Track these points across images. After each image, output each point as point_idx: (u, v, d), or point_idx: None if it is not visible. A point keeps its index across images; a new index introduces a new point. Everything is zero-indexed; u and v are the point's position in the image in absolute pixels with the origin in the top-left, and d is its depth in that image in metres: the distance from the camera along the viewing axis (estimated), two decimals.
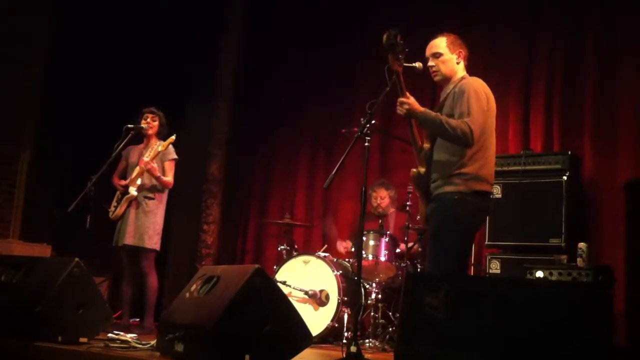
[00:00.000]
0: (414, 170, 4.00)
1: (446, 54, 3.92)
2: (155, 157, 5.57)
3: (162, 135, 5.83)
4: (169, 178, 5.70)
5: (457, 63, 3.94)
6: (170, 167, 5.73)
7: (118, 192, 5.76)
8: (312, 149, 7.44)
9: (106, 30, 7.86)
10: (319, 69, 7.52)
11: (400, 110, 3.79)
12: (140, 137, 5.82)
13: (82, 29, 7.85)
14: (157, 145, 5.64)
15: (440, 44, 3.94)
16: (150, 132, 5.80)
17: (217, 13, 7.84)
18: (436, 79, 3.98)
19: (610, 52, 5.67)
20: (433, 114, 3.79)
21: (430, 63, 3.95)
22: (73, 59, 7.85)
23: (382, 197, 6.17)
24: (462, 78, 3.91)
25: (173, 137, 5.59)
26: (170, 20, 7.87)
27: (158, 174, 5.60)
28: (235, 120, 7.87)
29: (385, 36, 3.62)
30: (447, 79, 3.95)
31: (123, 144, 5.59)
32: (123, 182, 5.72)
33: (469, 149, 3.72)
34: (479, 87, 3.81)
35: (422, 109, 3.79)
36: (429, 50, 3.97)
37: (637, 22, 5.57)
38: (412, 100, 3.79)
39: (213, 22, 7.82)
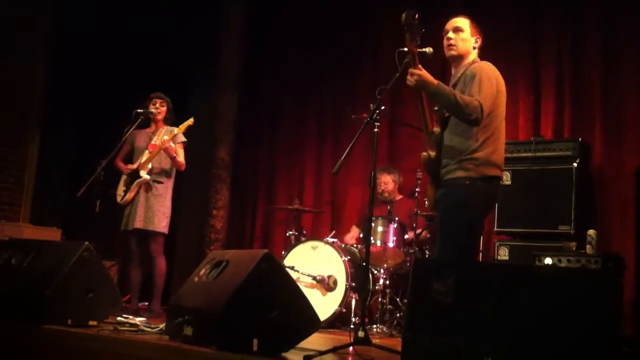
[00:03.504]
0: (424, 154, 3.96)
1: (467, 33, 3.87)
2: (171, 138, 5.58)
3: (169, 121, 5.86)
4: (182, 160, 5.73)
5: (474, 47, 3.90)
6: (181, 150, 5.75)
7: (125, 177, 5.77)
8: (320, 134, 7.44)
9: (109, 21, 7.89)
10: (321, 56, 7.51)
11: (410, 81, 3.69)
12: (146, 122, 5.83)
13: (85, 20, 7.89)
14: (173, 128, 5.65)
15: (464, 22, 3.89)
16: (159, 117, 5.82)
17: (219, 8, 7.84)
18: (450, 52, 3.89)
19: (618, 39, 5.64)
20: (447, 88, 3.71)
21: (450, 35, 3.88)
22: (77, 49, 7.91)
23: (385, 182, 6.17)
24: (473, 62, 3.87)
25: (191, 120, 5.60)
26: (173, 14, 7.87)
27: (174, 154, 5.62)
28: (242, 105, 7.87)
29: (403, 16, 3.54)
30: (459, 57, 3.89)
31: (133, 128, 5.62)
32: (131, 166, 5.73)
33: (482, 133, 3.69)
34: (490, 71, 3.79)
35: (435, 81, 3.69)
36: (450, 24, 3.90)
37: None
38: (423, 72, 3.69)
39: (216, 11, 7.80)
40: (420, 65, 3.72)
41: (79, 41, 7.89)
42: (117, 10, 7.83)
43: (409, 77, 3.70)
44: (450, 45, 3.88)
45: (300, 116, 7.61)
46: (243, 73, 7.88)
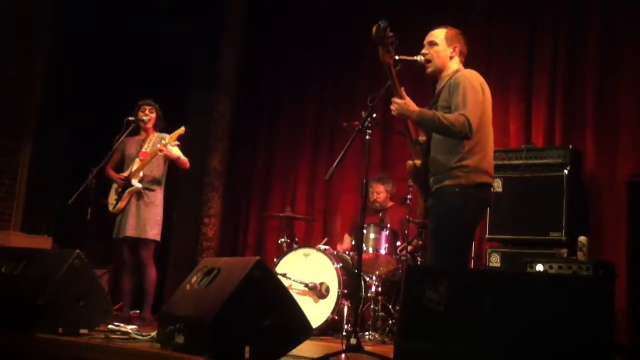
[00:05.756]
0: (410, 162, 3.98)
1: (441, 45, 3.91)
2: (165, 146, 5.57)
3: (159, 128, 5.86)
4: (184, 157, 5.72)
5: (451, 57, 3.92)
6: (179, 150, 5.74)
7: (116, 185, 5.75)
8: (314, 142, 7.44)
9: (107, 23, 7.87)
10: (320, 63, 7.53)
11: (393, 110, 3.78)
12: (135, 129, 5.82)
13: (84, 23, 7.87)
14: (165, 136, 5.65)
15: (438, 34, 3.94)
16: (149, 124, 5.82)
17: (218, 9, 7.85)
18: (428, 69, 3.94)
19: (612, 47, 5.66)
20: (429, 113, 3.75)
21: (424, 50, 3.93)
22: (74, 53, 7.88)
23: (378, 192, 6.18)
24: (457, 71, 3.89)
25: (182, 129, 5.60)
26: (172, 14, 7.87)
27: (176, 156, 5.62)
28: (236, 114, 7.87)
29: (374, 29, 3.60)
30: (438, 70, 3.93)
31: (124, 136, 5.61)
32: (123, 175, 5.71)
33: (468, 141, 3.71)
34: (474, 79, 3.80)
35: (417, 109, 3.76)
36: (426, 39, 3.97)
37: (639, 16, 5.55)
38: (405, 101, 3.76)
39: (215, 12, 7.81)
40: (404, 93, 3.77)
41: (78, 42, 7.87)
42: (116, 11, 7.82)
43: (391, 105, 3.78)
44: (426, 60, 3.93)
45: (295, 122, 7.61)
46: (241, 74, 7.88)
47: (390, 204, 6.26)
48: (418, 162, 3.94)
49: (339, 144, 6.95)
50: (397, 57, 3.73)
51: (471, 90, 3.73)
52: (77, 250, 4.05)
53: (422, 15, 6.60)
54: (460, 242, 3.77)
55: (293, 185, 7.50)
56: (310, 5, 7.64)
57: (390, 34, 3.62)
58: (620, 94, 5.57)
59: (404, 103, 3.76)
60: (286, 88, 7.76)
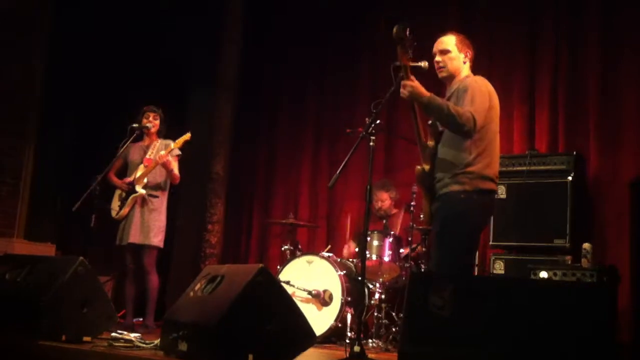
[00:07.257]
0: (419, 167, 3.98)
1: (454, 52, 3.92)
2: (168, 153, 5.57)
3: (162, 134, 5.87)
4: (177, 172, 5.72)
5: (464, 62, 3.94)
6: (175, 163, 5.74)
7: (120, 192, 5.75)
8: (316, 148, 7.43)
9: (108, 23, 7.89)
10: (320, 66, 7.53)
11: (403, 93, 3.73)
12: (138, 135, 5.82)
13: (84, 23, 7.90)
14: (169, 142, 5.65)
15: (449, 41, 3.94)
16: (153, 130, 5.82)
17: (218, 9, 7.86)
18: (441, 75, 3.95)
19: (614, 52, 5.65)
20: (439, 99, 3.73)
21: (437, 58, 3.93)
22: (75, 53, 7.89)
23: (382, 200, 6.16)
24: (467, 77, 3.91)
25: (188, 135, 5.60)
26: (172, 14, 7.89)
27: (172, 167, 5.61)
28: (238, 120, 7.87)
29: (395, 29, 3.59)
30: (451, 77, 3.94)
31: (128, 143, 5.61)
32: (127, 181, 5.71)
33: (476, 147, 3.70)
34: (482, 85, 3.82)
35: (428, 93, 3.73)
36: (437, 47, 3.96)
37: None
38: (416, 83, 3.73)
39: (215, 11, 7.82)
40: (413, 77, 3.75)
41: (78, 42, 7.89)
42: (117, 11, 7.83)
43: (402, 89, 3.74)
44: (439, 67, 3.93)
45: (297, 128, 7.59)
46: (242, 73, 7.86)
47: (395, 210, 6.24)
48: (427, 167, 3.93)
49: (340, 148, 6.94)
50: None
51: (479, 93, 3.75)
52: (81, 257, 4.05)
53: (422, 18, 6.58)
54: (463, 248, 3.76)
55: (296, 191, 7.48)
56: (310, 5, 7.65)
57: (410, 35, 3.61)
58: (623, 99, 5.56)
59: (415, 86, 3.73)
60: (287, 91, 7.76)
